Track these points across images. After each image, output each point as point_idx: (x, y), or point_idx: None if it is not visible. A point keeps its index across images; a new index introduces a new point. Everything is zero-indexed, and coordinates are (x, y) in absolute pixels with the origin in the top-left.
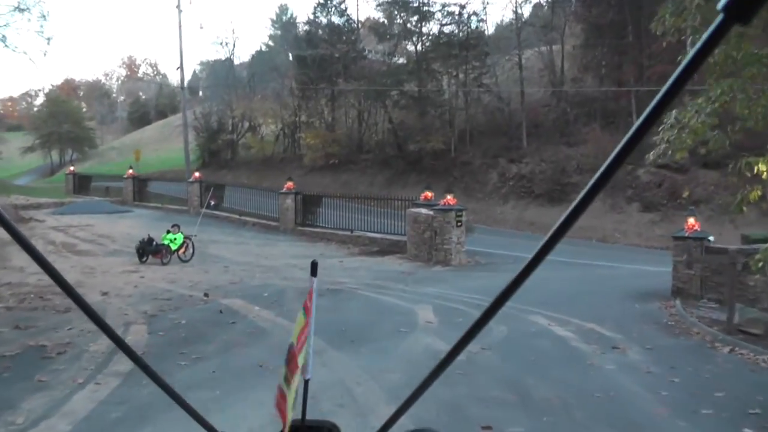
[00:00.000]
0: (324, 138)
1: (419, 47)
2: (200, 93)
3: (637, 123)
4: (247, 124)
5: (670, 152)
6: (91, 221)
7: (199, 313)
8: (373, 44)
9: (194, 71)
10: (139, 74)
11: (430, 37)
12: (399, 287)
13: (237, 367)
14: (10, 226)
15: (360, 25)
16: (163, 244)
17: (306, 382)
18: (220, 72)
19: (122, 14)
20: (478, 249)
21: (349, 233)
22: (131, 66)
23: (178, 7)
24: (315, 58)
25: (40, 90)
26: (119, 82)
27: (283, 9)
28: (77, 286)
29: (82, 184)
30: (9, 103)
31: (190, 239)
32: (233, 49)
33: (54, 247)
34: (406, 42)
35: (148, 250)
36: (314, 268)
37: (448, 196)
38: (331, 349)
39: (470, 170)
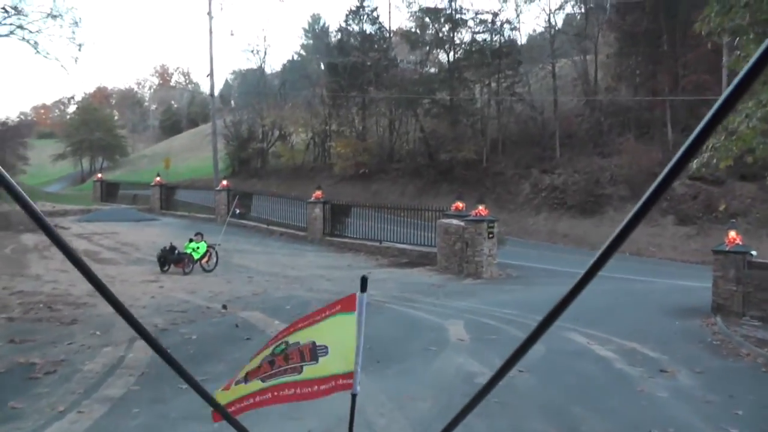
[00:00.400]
0: (354, 147)
1: (451, 56)
2: (232, 103)
3: (688, 140)
4: (277, 133)
5: (714, 161)
6: (116, 229)
7: (214, 327)
8: (404, 53)
9: (226, 80)
10: (172, 83)
11: (462, 46)
12: (428, 300)
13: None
14: (50, 230)
15: (392, 34)
16: (186, 253)
17: (353, 397)
18: (251, 80)
19: (155, 23)
20: (510, 261)
21: (377, 244)
22: (164, 75)
23: (209, 13)
24: (346, 66)
25: (72, 98)
26: (151, 90)
27: (316, 18)
28: (92, 295)
29: (109, 191)
30: (42, 111)
31: (214, 248)
32: (264, 57)
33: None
34: (438, 50)
35: (170, 258)
36: (364, 284)
37: (480, 207)
38: None
39: (502, 180)
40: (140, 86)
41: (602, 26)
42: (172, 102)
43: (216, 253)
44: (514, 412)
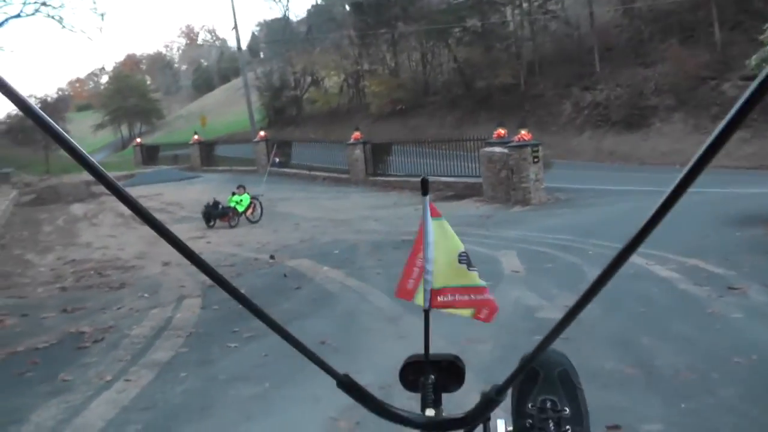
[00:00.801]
0: (388, 84)
1: None
2: (261, 54)
3: (720, 127)
4: (309, 79)
5: None
6: (160, 190)
7: (262, 278)
8: None
9: (252, 33)
10: (199, 41)
11: None
12: (478, 233)
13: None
14: (123, 193)
15: None
16: (230, 207)
17: (426, 312)
18: (277, 29)
19: None
20: (558, 185)
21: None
22: (190, 34)
23: None
24: (372, 4)
25: (103, 68)
26: (180, 51)
27: None
28: (140, 257)
29: (150, 154)
30: (77, 84)
31: (257, 199)
32: (288, 4)
33: (123, 219)
34: None
35: (214, 214)
36: (425, 186)
37: (522, 132)
38: (407, 313)
39: (542, 103)
40: (168, 49)
41: None
42: (202, 60)
43: (260, 203)
44: (581, 347)
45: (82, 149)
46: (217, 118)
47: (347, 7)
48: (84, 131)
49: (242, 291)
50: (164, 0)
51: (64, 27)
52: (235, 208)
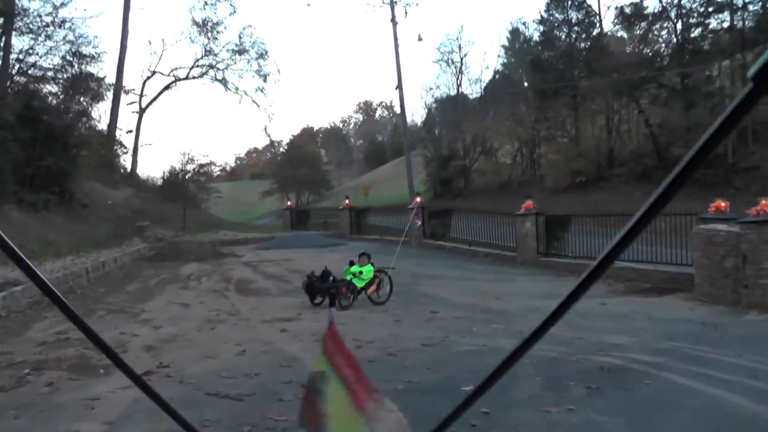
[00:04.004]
0: (567, 153)
1: (680, 24)
2: (436, 131)
3: (658, 190)
4: (479, 149)
5: None
6: (293, 255)
7: None
8: (617, 42)
9: (428, 109)
10: (375, 117)
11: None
12: (724, 359)
13: None
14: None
15: (602, 16)
16: (344, 281)
17: None
18: (450, 102)
19: (356, 62)
20: None
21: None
22: (367, 110)
23: (392, 20)
24: (552, 62)
25: (280, 142)
26: (356, 126)
27: (516, 20)
28: (170, 341)
29: (300, 218)
30: (254, 154)
31: (386, 273)
32: (461, 67)
33: (226, 284)
34: (663, 24)
35: (320, 288)
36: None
37: (763, 201)
38: None
39: (757, 177)
40: (345, 124)
41: None
42: (378, 136)
43: (390, 279)
44: None
45: None
46: (384, 190)
47: (523, 71)
48: (253, 197)
49: None
50: (344, 76)
51: (228, 90)
52: (351, 282)
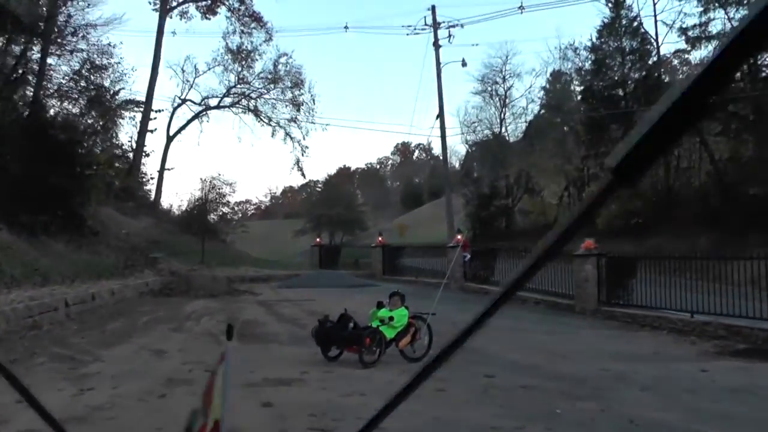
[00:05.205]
0: (620, 192)
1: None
2: (474, 173)
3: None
4: (523, 188)
5: None
6: (316, 295)
7: None
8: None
9: (465, 143)
10: (414, 158)
11: None
12: None
13: None
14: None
15: (659, 42)
16: (370, 328)
17: None
18: (489, 137)
19: (395, 101)
20: None
21: (688, 317)
22: (405, 152)
23: (434, 43)
24: (605, 87)
25: (317, 181)
26: (392, 168)
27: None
28: (108, 412)
29: (329, 256)
30: (289, 194)
31: (423, 320)
32: (504, 99)
33: (224, 325)
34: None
35: (337, 337)
36: (230, 333)
37: None
38: None
39: None
40: (382, 165)
41: None
42: (414, 178)
43: (429, 328)
44: None
45: None
46: (420, 232)
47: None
48: (287, 237)
49: None
50: (382, 115)
51: (260, 120)
52: (377, 331)
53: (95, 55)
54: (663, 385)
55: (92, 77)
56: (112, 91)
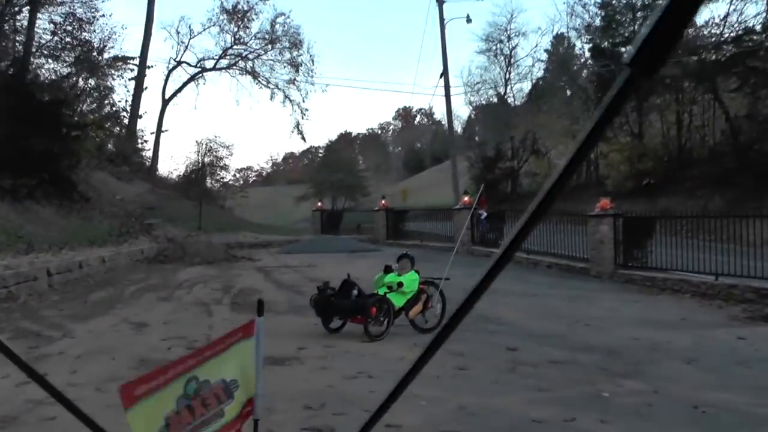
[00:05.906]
0: (631, 151)
1: None
2: (476, 138)
3: (550, 179)
4: (529, 149)
5: None
6: (318, 261)
7: None
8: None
9: (469, 104)
10: (415, 123)
11: None
12: None
13: None
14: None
15: None
16: (376, 296)
17: (255, 423)
18: (493, 98)
19: (396, 64)
20: None
21: (712, 279)
22: (406, 117)
23: None
24: (616, 44)
25: (318, 148)
26: (394, 133)
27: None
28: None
29: (331, 221)
30: (290, 160)
31: (436, 286)
32: (509, 59)
33: (222, 295)
34: None
35: (339, 306)
36: (261, 308)
37: None
38: None
39: None
40: (384, 130)
41: None
42: (416, 143)
43: (442, 295)
44: None
45: None
46: (423, 197)
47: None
48: (289, 203)
49: None
50: (383, 83)
51: (258, 83)
52: (385, 299)
53: (78, 6)
54: (706, 357)
55: (76, 32)
56: (99, 47)
